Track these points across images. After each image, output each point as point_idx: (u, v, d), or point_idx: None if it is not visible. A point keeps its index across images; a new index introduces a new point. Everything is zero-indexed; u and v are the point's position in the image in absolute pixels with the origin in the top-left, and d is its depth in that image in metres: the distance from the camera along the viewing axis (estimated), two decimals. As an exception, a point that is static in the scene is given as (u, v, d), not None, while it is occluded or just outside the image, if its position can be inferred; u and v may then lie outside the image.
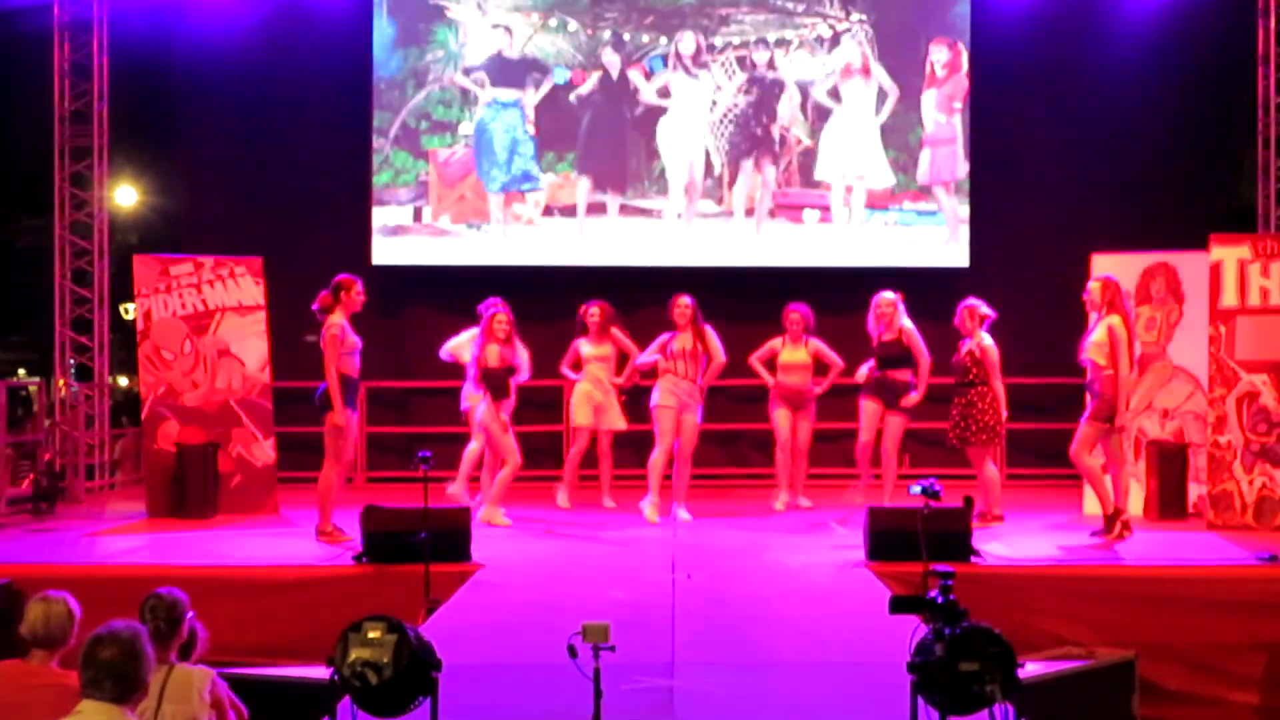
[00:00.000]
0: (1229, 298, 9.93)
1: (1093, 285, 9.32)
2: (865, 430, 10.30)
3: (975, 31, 12.99)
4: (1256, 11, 12.93)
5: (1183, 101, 13.06)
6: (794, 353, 10.68)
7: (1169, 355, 10.59)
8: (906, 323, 10.20)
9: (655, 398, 10.26)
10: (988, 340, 9.75)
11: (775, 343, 10.74)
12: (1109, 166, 12.96)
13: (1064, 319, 10.70)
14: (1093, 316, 9.31)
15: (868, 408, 10.27)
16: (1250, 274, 9.93)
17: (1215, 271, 9.95)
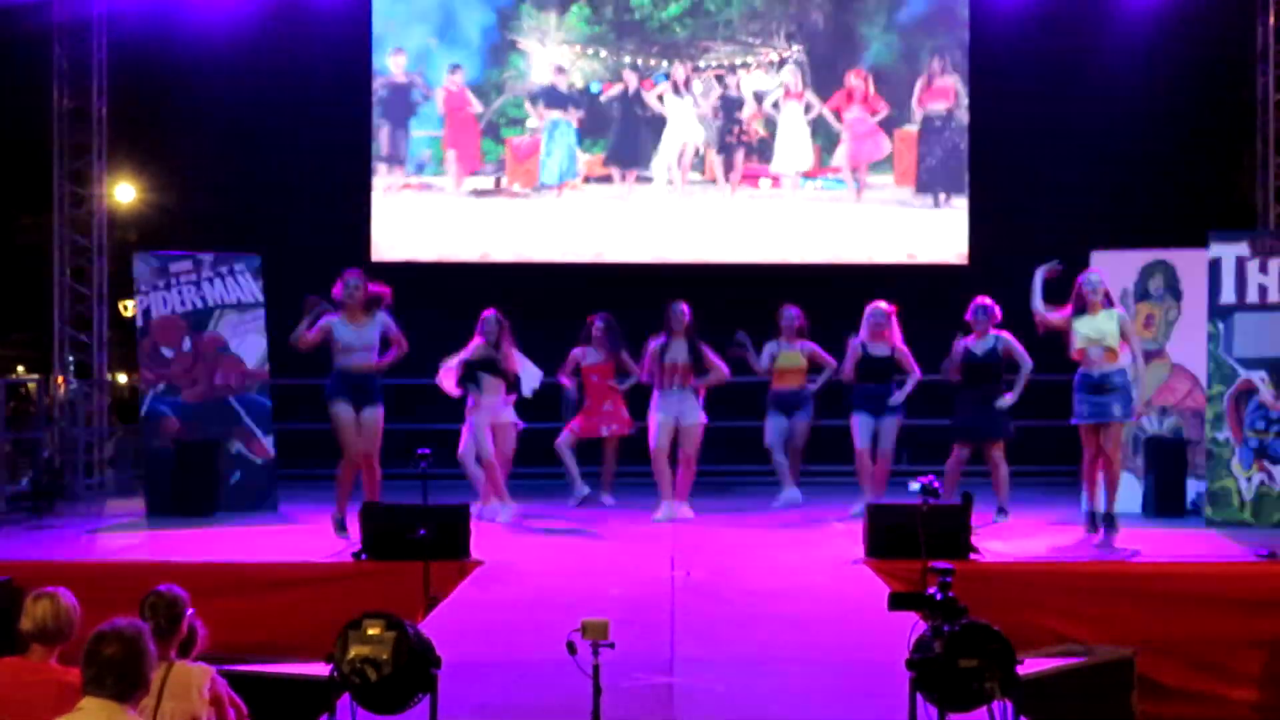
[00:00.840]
0: (1227, 294, 9.94)
1: (1096, 278, 9.06)
2: (862, 438, 10.29)
3: (975, 29, 13.03)
4: (1255, 9, 12.94)
5: (1182, 99, 13.05)
6: (789, 355, 10.71)
7: (1168, 352, 10.59)
8: (901, 344, 10.25)
9: (651, 412, 10.34)
10: (1006, 336, 9.86)
11: (770, 347, 10.76)
12: (1108, 163, 12.96)
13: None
14: (1097, 306, 8.97)
15: (861, 421, 10.28)
16: (1249, 271, 9.94)
17: (1214, 268, 9.96)
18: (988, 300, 9.93)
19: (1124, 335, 8.96)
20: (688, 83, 13.41)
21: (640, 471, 10.80)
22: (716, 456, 12.36)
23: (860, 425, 10.27)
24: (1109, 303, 9.05)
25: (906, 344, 10.37)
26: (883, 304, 10.28)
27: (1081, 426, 9.09)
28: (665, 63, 13.44)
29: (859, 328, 10.29)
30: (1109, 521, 9.04)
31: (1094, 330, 8.93)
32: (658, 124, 13.42)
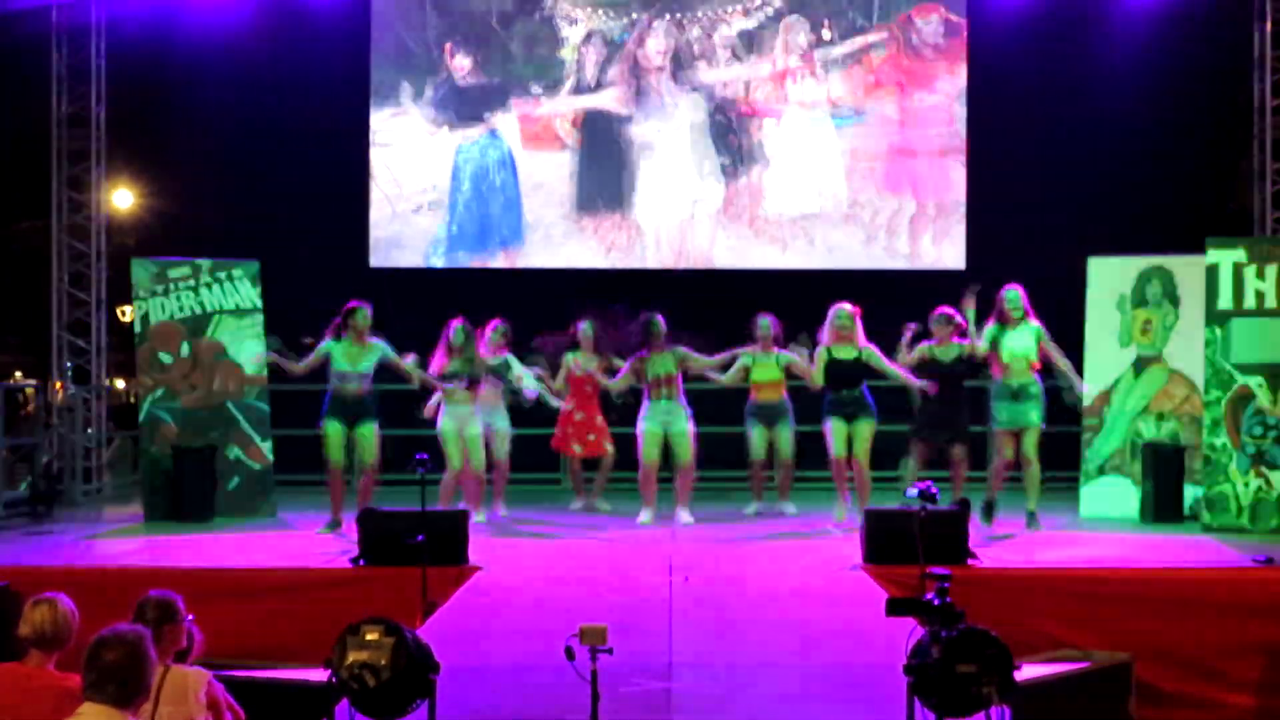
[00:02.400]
0: (1225, 300, 9.94)
1: (1015, 294, 9.70)
2: (836, 446, 10.05)
3: (973, 33, 13.05)
4: (1252, 16, 12.96)
5: (1179, 105, 13.09)
6: (765, 368, 10.46)
7: (1165, 358, 10.60)
8: (868, 343, 10.03)
9: (639, 422, 10.33)
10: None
11: (745, 359, 10.50)
12: (1106, 169, 12.99)
13: (1060, 321, 10.72)
14: (1020, 321, 9.66)
15: (834, 426, 10.03)
16: (1246, 277, 9.94)
17: (1211, 274, 9.97)
18: (950, 309, 9.95)
19: (1042, 344, 9.68)
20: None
21: (633, 478, 10.77)
22: (713, 463, 12.37)
23: (833, 430, 10.02)
24: (1027, 316, 9.69)
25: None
26: (847, 305, 10.07)
27: (999, 432, 9.79)
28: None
29: (820, 332, 10.13)
30: (1030, 518, 9.75)
31: (1016, 344, 9.63)
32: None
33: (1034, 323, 9.72)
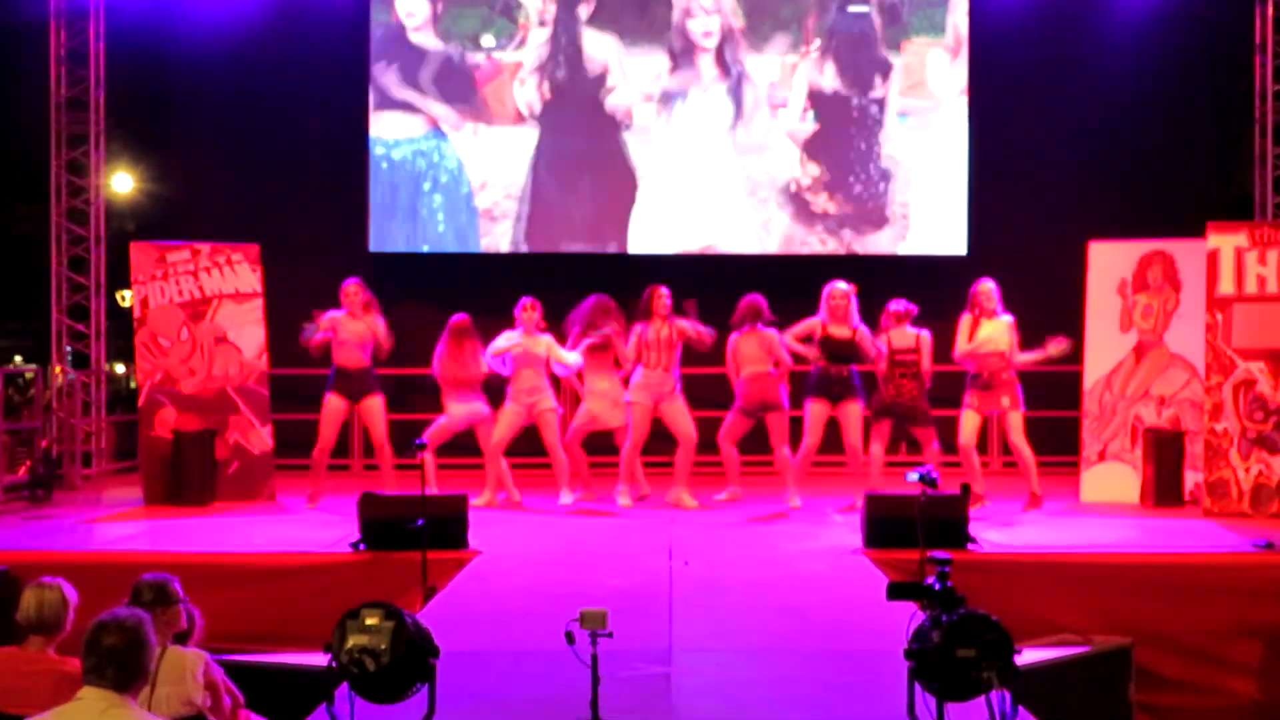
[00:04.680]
0: (1226, 285, 9.93)
1: (988, 288, 9.89)
2: (812, 432, 9.97)
3: (975, 17, 12.99)
4: (1253, 0, 12.93)
5: (1180, 89, 13.05)
6: (748, 343, 10.14)
7: (1166, 343, 10.59)
8: (861, 325, 9.94)
9: (629, 393, 10.24)
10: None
11: (735, 338, 10.25)
12: (1107, 154, 12.97)
13: (1061, 306, 10.72)
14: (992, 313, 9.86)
15: (814, 410, 9.94)
16: (1247, 261, 9.92)
17: (1212, 259, 9.95)
18: (905, 302, 10.03)
19: (1016, 339, 9.88)
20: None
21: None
22: (713, 447, 12.35)
23: (813, 414, 9.92)
24: (1000, 310, 9.90)
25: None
26: (842, 283, 10.00)
27: (966, 412, 9.91)
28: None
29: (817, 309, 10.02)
30: (1031, 499, 9.98)
31: (988, 336, 9.83)
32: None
33: (1006, 316, 9.91)
